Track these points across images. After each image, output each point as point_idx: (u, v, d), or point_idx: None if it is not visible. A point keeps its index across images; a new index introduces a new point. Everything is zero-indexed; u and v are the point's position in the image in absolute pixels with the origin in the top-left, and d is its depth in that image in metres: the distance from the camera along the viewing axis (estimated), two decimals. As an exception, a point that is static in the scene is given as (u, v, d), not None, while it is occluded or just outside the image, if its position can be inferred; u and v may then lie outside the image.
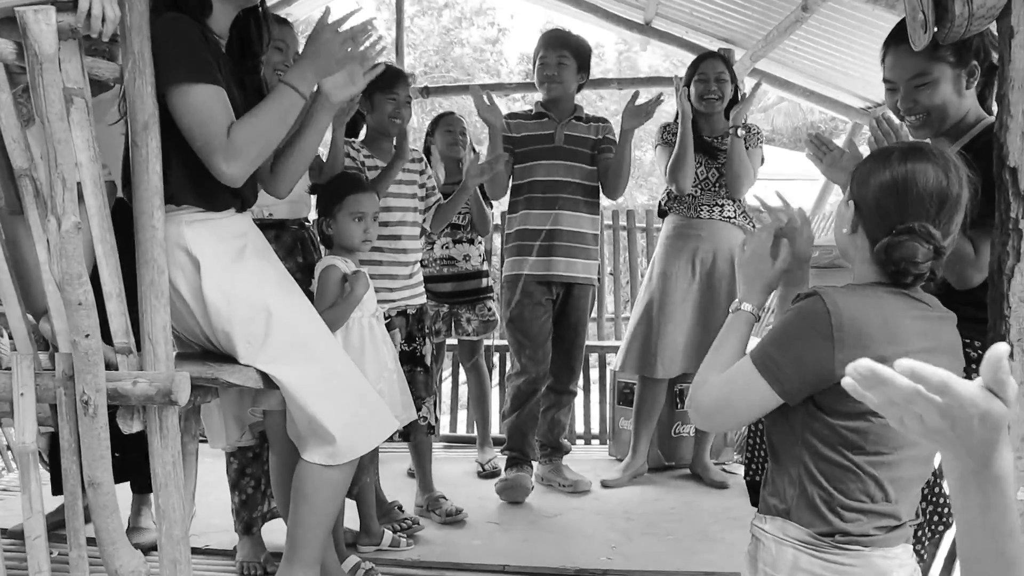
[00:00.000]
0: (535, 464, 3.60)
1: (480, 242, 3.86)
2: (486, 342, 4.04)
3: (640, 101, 3.27)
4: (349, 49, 1.93)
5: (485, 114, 3.21)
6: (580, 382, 3.86)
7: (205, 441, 3.36)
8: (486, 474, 3.84)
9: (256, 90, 2.10)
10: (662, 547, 2.90)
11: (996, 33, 1.69)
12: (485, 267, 3.89)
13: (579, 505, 3.37)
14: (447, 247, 3.78)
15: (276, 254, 2.18)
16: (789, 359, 1.37)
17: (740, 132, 3.36)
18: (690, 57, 5.16)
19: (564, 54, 3.37)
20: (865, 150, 2.18)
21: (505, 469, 3.51)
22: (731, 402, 1.43)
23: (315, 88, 1.99)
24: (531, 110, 3.52)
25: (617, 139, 3.37)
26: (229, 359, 1.96)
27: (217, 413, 2.24)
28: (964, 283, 1.87)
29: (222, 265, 1.92)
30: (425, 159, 3.32)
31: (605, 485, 3.60)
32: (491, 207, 3.84)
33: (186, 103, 1.82)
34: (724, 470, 3.92)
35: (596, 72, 11.93)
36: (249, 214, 2.12)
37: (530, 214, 3.40)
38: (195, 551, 2.68)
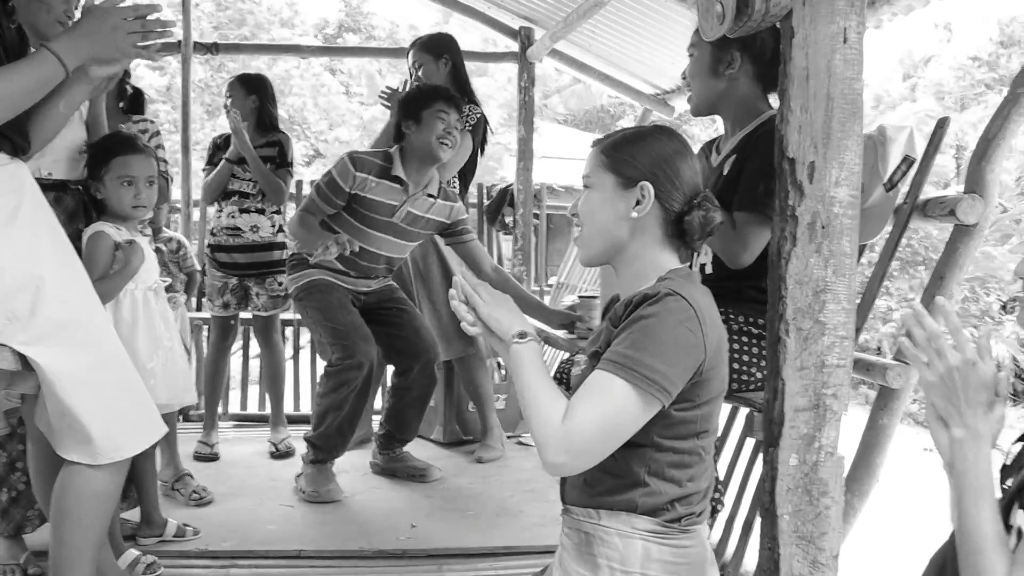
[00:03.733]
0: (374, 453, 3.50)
1: (276, 212, 3.67)
2: (283, 316, 3.86)
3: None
4: (132, 41, 1.73)
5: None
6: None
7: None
8: (279, 454, 3.70)
9: (14, 29, 1.85)
10: (462, 524, 2.92)
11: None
12: (280, 239, 3.68)
13: (377, 484, 3.33)
14: (233, 215, 3.59)
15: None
16: (671, 365, 1.31)
17: None
18: (493, 36, 5.21)
19: (459, 118, 3.11)
20: None
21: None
22: (616, 427, 1.31)
23: None
24: (388, 157, 3.09)
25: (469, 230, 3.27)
26: None
27: None
28: (736, 263, 2.01)
29: None
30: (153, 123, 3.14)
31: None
32: (291, 176, 3.66)
33: None
34: (520, 443, 4.01)
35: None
36: (24, 166, 1.84)
37: (345, 261, 3.07)
38: (-62, 555, 2.38)
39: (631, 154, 1.46)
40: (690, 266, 1.54)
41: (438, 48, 3.60)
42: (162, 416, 2.39)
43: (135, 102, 3.11)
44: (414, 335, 3.30)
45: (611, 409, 1.30)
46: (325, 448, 3.11)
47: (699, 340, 1.35)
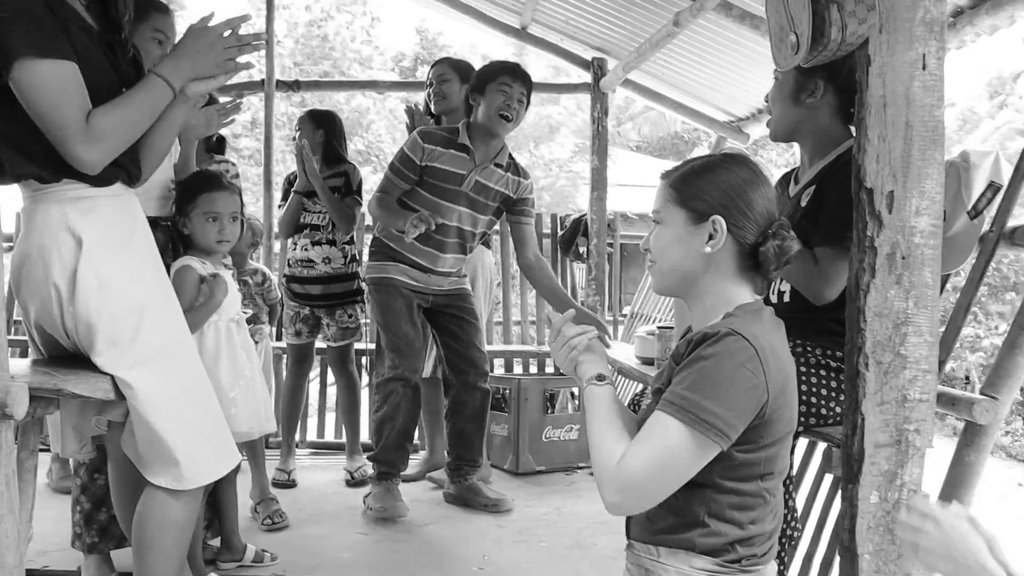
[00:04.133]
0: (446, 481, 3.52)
1: (347, 243, 3.77)
2: (357, 345, 3.94)
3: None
4: (233, 54, 1.83)
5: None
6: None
7: (46, 449, 3.15)
8: (354, 482, 3.76)
9: (132, 59, 1.96)
10: (534, 555, 2.90)
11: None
12: (352, 269, 3.78)
13: (449, 513, 3.34)
14: (306, 248, 3.69)
15: None
16: (730, 408, 1.29)
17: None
18: (565, 65, 5.25)
19: (525, 93, 3.14)
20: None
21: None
22: (671, 469, 1.30)
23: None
24: (454, 131, 3.20)
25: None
26: (77, 362, 1.81)
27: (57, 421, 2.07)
28: (820, 300, 1.95)
29: (104, 249, 1.78)
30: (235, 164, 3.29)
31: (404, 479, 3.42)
32: (360, 205, 3.76)
33: (32, 81, 1.64)
34: (592, 474, 3.97)
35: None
36: (135, 196, 1.94)
37: (413, 245, 3.14)
38: (33, 573, 2.48)
39: (700, 187, 1.42)
40: (767, 298, 1.51)
41: (465, 75, 3.50)
42: (249, 441, 2.47)
43: (218, 144, 3.28)
44: (466, 349, 3.32)
45: (665, 451, 1.29)
46: (386, 462, 3.19)
47: (760, 381, 1.31)
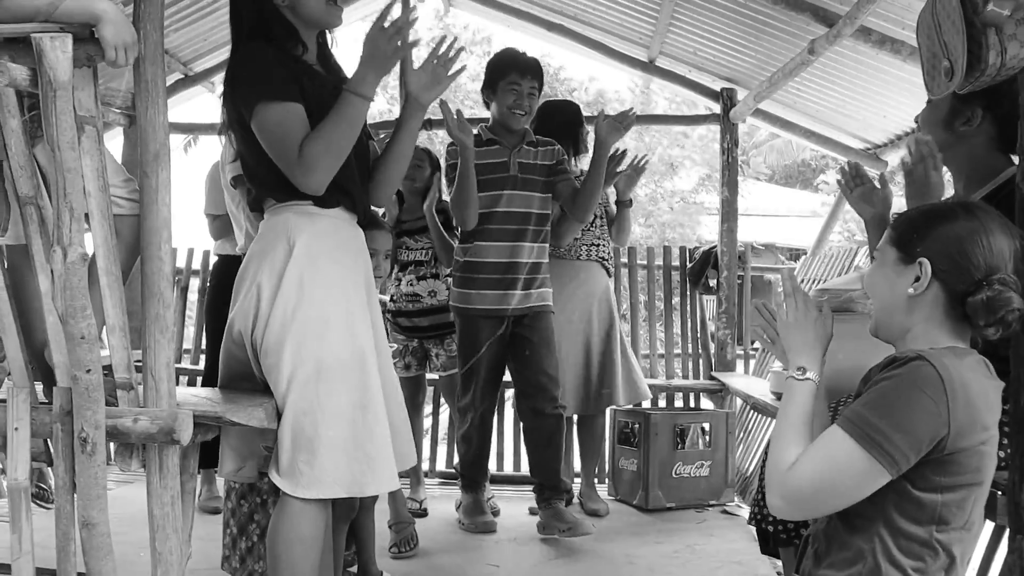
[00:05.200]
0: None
1: (448, 276, 3.85)
2: None
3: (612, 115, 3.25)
4: (399, 43, 1.95)
5: (456, 132, 3.10)
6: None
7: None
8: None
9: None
10: (665, 594, 2.84)
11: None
12: None
13: (580, 547, 3.30)
14: (412, 284, 3.77)
15: None
16: (902, 432, 1.26)
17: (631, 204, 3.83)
18: (693, 97, 5.21)
19: (535, 85, 3.30)
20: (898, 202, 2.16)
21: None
22: (834, 485, 1.29)
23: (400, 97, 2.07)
24: (477, 135, 3.31)
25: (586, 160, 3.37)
26: (243, 381, 1.95)
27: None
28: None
29: (311, 258, 1.94)
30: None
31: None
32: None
33: (264, 121, 1.89)
34: (725, 512, 3.87)
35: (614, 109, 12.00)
36: (357, 225, 2.10)
37: (487, 246, 3.29)
38: (188, 591, 2.61)
39: (916, 229, 1.41)
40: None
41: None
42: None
43: None
44: (534, 375, 3.33)
45: (832, 465, 1.29)
46: (469, 475, 3.53)
47: (940, 411, 1.26)
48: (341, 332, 1.93)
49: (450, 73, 2.06)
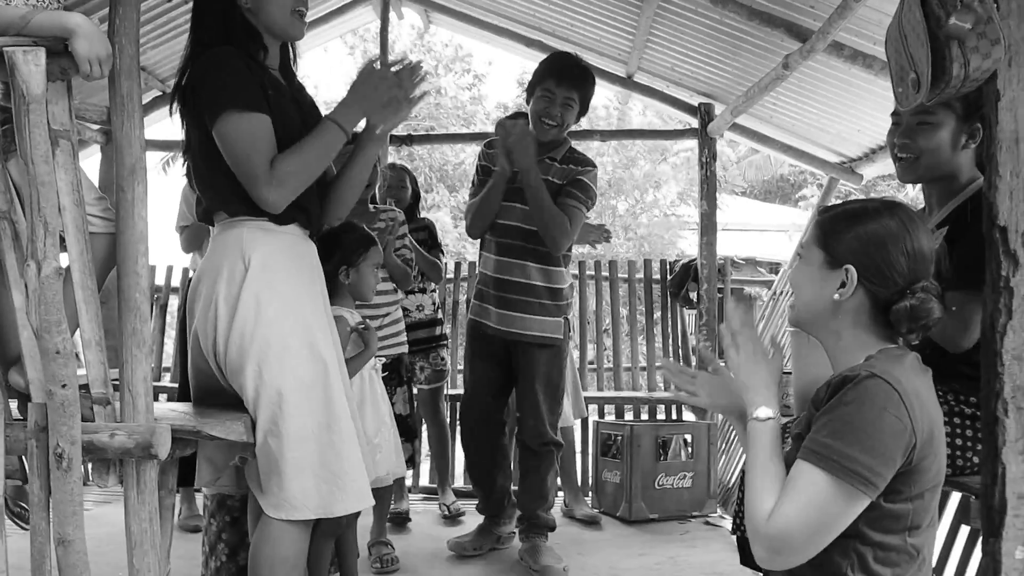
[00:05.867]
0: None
1: (433, 290, 3.93)
2: (447, 391, 4.13)
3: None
4: (396, 92, 1.98)
5: (503, 160, 2.95)
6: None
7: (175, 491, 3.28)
8: (451, 516, 3.90)
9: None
10: (647, 605, 2.84)
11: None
12: (439, 315, 3.96)
13: (563, 560, 3.29)
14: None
15: None
16: (877, 456, 1.25)
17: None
18: (671, 112, 5.26)
19: (572, 96, 3.03)
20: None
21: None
22: (823, 525, 1.26)
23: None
24: None
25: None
26: (214, 398, 1.93)
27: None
28: (956, 347, 1.86)
29: (268, 275, 1.92)
30: (401, 213, 3.46)
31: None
32: (443, 255, 3.93)
33: (230, 131, 1.85)
34: (707, 523, 3.88)
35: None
36: (311, 242, 2.09)
37: (489, 259, 3.17)
38: (166, 609, 2.58)
39: (842, 233, 1.40)
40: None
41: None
42: (380, 488, 2.55)
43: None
44: (520, 407, 3.20)
45: (813, 505, 1.26)
46: (475, 491, 3.46)
47: (906, 425, 1.27)
48: (302, 352, 1.90)
49: (411, 97, 2.02)
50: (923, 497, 1.33)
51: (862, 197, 1.82)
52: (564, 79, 3.01)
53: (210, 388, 1.99)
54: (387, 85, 1.97)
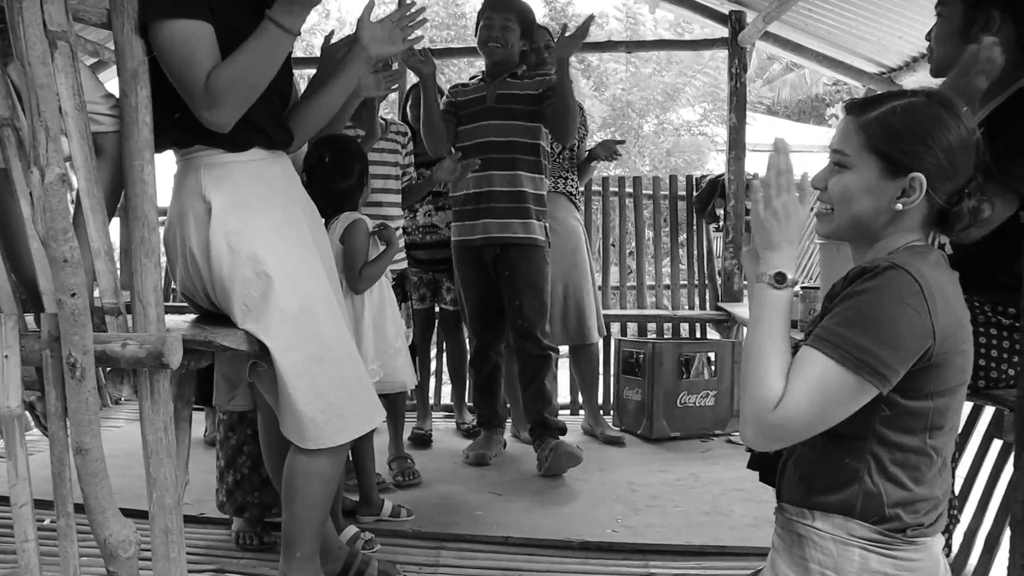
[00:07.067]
0: (508, 428, 3.80)
1: None
2: None
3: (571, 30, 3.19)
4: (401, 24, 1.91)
5: (411, 62, 3.18)
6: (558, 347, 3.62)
7: (201, 409, 3.31)
8: (467, 433, 3.96)
9: None
10: (669, 520, 2.84)
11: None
12: None
13: (583, 476, 3.31)
14: (430, 214, 3.74)
15: None
16: (890, 348, 1.18)
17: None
18: (700, 20, 5.05)
19: (509, 17, 3.31)
20: None
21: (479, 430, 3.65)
22: (826, 414, 1.21)
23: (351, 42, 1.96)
24: (476, 76, 3.50)
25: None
26: (225, 319, 1.88)
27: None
28: (967, 238, 1.79)
29: (233, 216, 1.82)
30: (409, 130, 3.40)
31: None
32: None
33: (163, 41, 1.69)
34: (729, 440, 3.87)
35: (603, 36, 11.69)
36: (282, 158, 1.97)
37: (466, 178, 3.32)
38: (189, 519, 2.62)
39: (903, 138, 1.28)
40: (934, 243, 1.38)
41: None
42: (394, 397, 2.64)
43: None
44: (513, 314, 3.34)
45: (823, 394, 1.19)
46: (478, 409, 3.64)
47: (924, 320, 1.20)
48: (284, 285, 1.83)
49: (408, 38, 1.94)
50: (944, 396, 1.26)
51: (893, 90, 1.68)
52: (496, 6, 3.35)
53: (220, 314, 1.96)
54: (390, 21, 1.89)
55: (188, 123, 1.77)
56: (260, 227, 1.84)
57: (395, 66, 2.17)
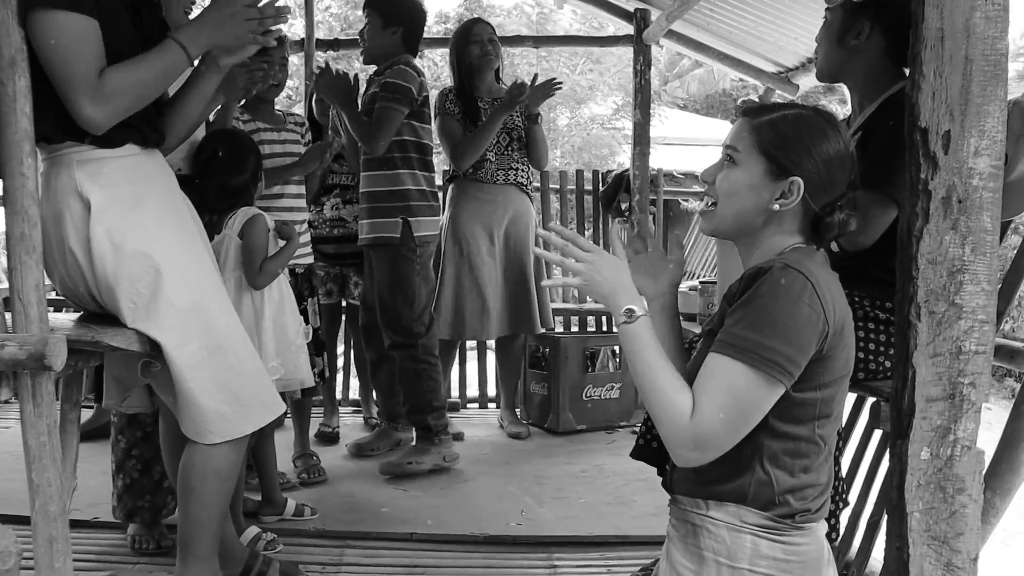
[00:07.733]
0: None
1: None
2: None
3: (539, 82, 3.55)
4: (252, 27, 1.80)
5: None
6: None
7: (90, 407, 3.19)
8: (373, 428, 3.88)
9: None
10: (573, 511, 2.89)
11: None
12: None
13: (489, 470, 3.34)
14: (337, 208, 3.68)
15: None
16: (793, 346, 1.26)
17: (539, 120, 3.74)
18: (604, 16, 5.12)
19: (368, 12, 3.26)
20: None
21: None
22: (744, 416, 1.27)
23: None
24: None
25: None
26: (114, 320, 1.81)
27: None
28: (854, 245, 1.90)
29: (113, 212, 1.76)
30: (307, 122, 3.32)
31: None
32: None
33: (48, 32, 1.63)
34: (634, 432, 3.94)
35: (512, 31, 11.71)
36: (156, 155, 1.92)
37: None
38: (82, 524, 2.53)
39: (790, 144, 1.36)
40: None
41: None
42: (298, 398, 2.64)
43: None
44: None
45: (736, 398, 1.26)
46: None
47: (819, 315, 1.28)
48: (173, 278, 1.79)
49: (253, 39, 1.82)
50: (830, 387, 1.34)
51: (788, 101, 1.78)
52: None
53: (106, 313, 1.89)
54: (244, 18, 1.78)
55: (58, 118, 1.71)
56: (143, 222, 1.80)
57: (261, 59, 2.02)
